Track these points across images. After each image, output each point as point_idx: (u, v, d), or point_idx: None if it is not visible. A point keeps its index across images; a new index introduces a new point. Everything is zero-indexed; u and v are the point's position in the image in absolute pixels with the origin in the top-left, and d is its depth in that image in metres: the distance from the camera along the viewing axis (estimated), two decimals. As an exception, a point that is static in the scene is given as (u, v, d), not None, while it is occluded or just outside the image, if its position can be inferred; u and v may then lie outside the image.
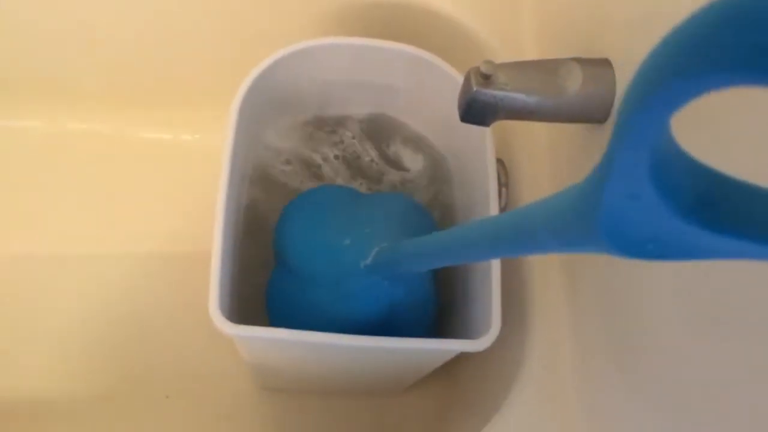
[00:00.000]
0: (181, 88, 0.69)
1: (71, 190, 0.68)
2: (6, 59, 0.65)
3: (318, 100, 0.55)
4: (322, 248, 0.45)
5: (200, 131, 0.71)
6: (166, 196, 0.68)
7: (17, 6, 0.60)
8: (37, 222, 0.66)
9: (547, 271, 0.46)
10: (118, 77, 0.68)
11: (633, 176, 0.17)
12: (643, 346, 0.36)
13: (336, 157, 0.56)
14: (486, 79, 0.37)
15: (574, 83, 0.36)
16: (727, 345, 0.29)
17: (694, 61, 0.14)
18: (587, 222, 0.20)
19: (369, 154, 0.56)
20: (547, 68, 0.37)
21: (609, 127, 0.38)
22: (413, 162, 0.57)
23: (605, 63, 0.37)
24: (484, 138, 0.47)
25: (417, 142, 0.57)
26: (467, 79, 0.37)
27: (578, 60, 0.37)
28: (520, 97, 0.37)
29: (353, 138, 0.57)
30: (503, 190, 0.51)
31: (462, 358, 0.51)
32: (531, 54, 0.53)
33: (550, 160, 0.49)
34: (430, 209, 0.55)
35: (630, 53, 0.36)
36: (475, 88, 0.37)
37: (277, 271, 0.49)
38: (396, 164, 0.56)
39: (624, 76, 0.36)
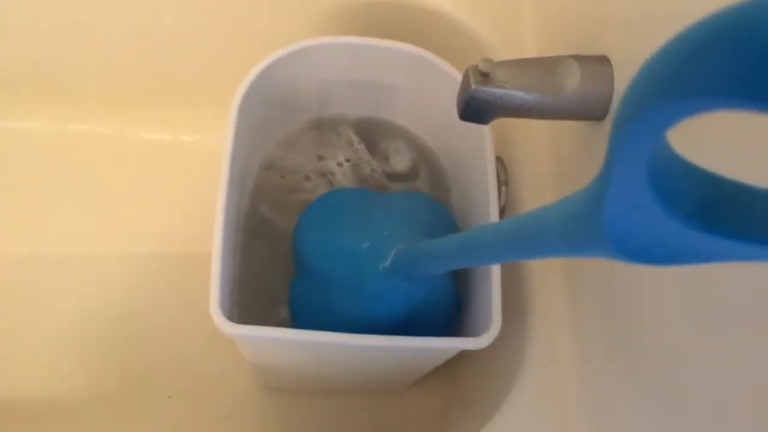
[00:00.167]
0: (180, 88, 0.69)
1: (71, 191, 0.68)
2: (6, 60, 0.65)
3: (318, 99, 0.55)
4: (342, 253, 0.45)
5: (200, 131, 0.71)
6: (166, 196, 0.68)
7: (17, 6, 0.60)
8: (37, 222, 0.66)
9: (548, 269, 0.46)
10: (118, 77, 0.68)
11: (632, 187, 0.18)
12: (644, 345, 0.36)
13: (335, 157, 0.56)
14: (484, 77, 0.37)
15: (572, 80, 0.36)
16: (728, 344, 0.29)
17: (677, 86, 0.14)
18: (593, 229, 0.20)
19: (369, 159, 0.56)
20: (545, 66, 0.37)
21: (608, 124, 0.38)
22: (411, 161, 0.57)
23: (603, 60, 0.37)
24: (483, 136, 0.47)
25: (415, 141, 0.57)
26: (466, 77, 0.37)
27: (576, 57, 0.37)
28: (518, 94, 0.37)
29: (353, 136, 0.57)
30: (503, 188, 0.51)
31: (463, 356, 0.51)
32: (530, 52, 0.53)
33: (550, 158, 0.49)
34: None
35: (628, 51, 0.36)
36: (473, 86, 0.37)
37: (298, 276, 0.49)
38: (394, 162, 0.56)
39: (622, 74, 0.36)
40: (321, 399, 0.62)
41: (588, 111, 0.37)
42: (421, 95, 0.53)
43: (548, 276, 0.46)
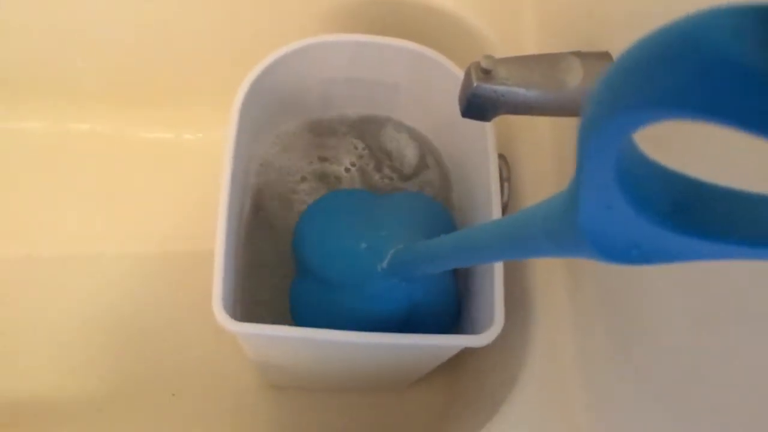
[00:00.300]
0: (182, 87, 0.69)
1: (73, 190, 0.68)
2: (7, 59, 0.65)
3: (320, 97, 0.55)
4: (341, 254, 0.45)
5: (202, 130, 0.71)
6: (168, 195, 0.68)
7: (18, 6, 0.60)
8: (38, 222, 0.66)
9: (550, 266, 0.46)
10: (119, 77, 0.68)
11: (602, 188, 0.18)
12: (646, 342, 0.36)
13: (338, 157, 0.56)
14: (486, 74, 0.36)
15: (574, 77, 0.36)
16: (732, 342, 0.29)
17: (629, 97, 0.15)
18: (573, 230, 0.21)
19: (372, 157, 0.56)
20: (547, 62, 0.37)
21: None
22: (415, 159, 0.57)
23: (606, 56, 0.37)
24: (485, 133, 0.47)
25: (418, 139, 0.57)
26: (468, 75, 0.37)
27: (578, 54, 0.37)
28: (520, 91, 0.37)
29: (354, 138, 0.57)
30: (505, 185, 0.51)
31: (465, 354, 0.51)
32: (532, 49, 0.53)
33: (552, 155, 0.49)
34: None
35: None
36: (475, 83, 0.37)
37: (298, 276, 0.50)
38: (397, 161, 0.56)
39: (625, 70, 0.36)
40: (324, 396, 0.62)
41: (590, 107, 0.37)
42: (422, 93, 0.53)
43: (550, 273, 0.46)
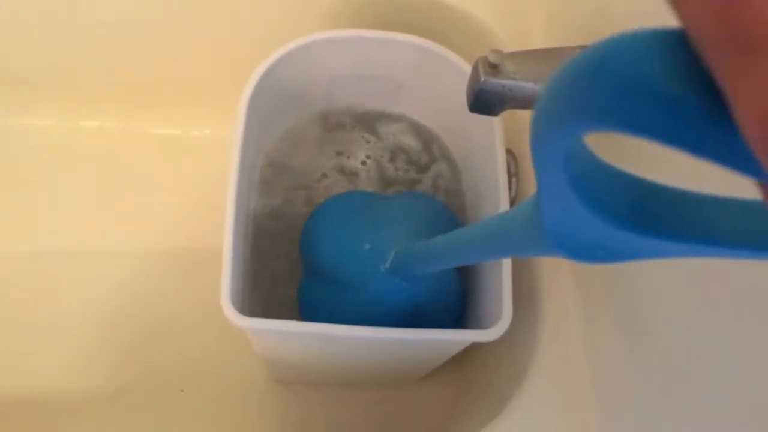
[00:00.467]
0: (190, 84, 0.69)
1: (81, 187, 0.68)
2: (17, 57, 0.66)
3: (326, 93, 0.55)
4: (346, 254, 0.46)
5: (210, 127, 0.72)
6: (177, 191, 0.68)
7: (28, 5, 0.60)
8: (47, 219, 0.67)
9: (558, 262, 0.46)
10: (126, 74, 0.68)
11: (559, 194, 0.19)
12: (655, 336, 0.36)
13: (345, 152, 0.56)
14: (494, 68, 0.36)
15: (582, 71, 0.36)
16: (746, 335, 0.29)
17: (561, 113, 0.16)
18: (543, 233, 0.22)
19: (381, 153, 0.56)
20: (554, 56, 0.37)
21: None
22: (423, 152, 0.57)
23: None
24: (493, 128, 0.47)
25: (425, 133, 0.57)
26: (475, 69, 0.37)
27: (585, 48, 0.37)
28: (528, 85, 0.37)
29: (363, 132, 0.57)
30: (513, 180, 0.51)
31: (473, 348, 0.51)
32: (539, 43, 0.53)
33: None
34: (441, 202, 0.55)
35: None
36: (483, 78, 0.37)
37: (305, 276, 0.51)
38: (409, 153, 0.56)
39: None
40: (332, 392, 0.62)
41: (598, 101, 0.37)
42: (429, 88, 0.53)
43: (558, 269, 0.46)
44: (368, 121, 0.57)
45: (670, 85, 0.13)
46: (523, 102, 0.37)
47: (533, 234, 0.23)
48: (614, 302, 0.40)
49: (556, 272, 0.46)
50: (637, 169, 0.20)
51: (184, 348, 0.63)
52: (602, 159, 0.19)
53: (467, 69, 0.47)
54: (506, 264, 0.43)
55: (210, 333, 0.62)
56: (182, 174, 0.69)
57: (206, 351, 0.62)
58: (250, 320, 0.40)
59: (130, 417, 0.60)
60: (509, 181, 0.48)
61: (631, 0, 0.38)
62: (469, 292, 0.50)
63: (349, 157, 0.56)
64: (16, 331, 0.62)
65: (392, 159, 0.56)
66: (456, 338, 0.43)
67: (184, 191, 0.68)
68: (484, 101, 0.38)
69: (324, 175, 0.55)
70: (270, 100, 0.49)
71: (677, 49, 0.13)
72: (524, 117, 0.52)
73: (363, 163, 0.56)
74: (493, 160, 0.46)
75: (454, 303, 0.49)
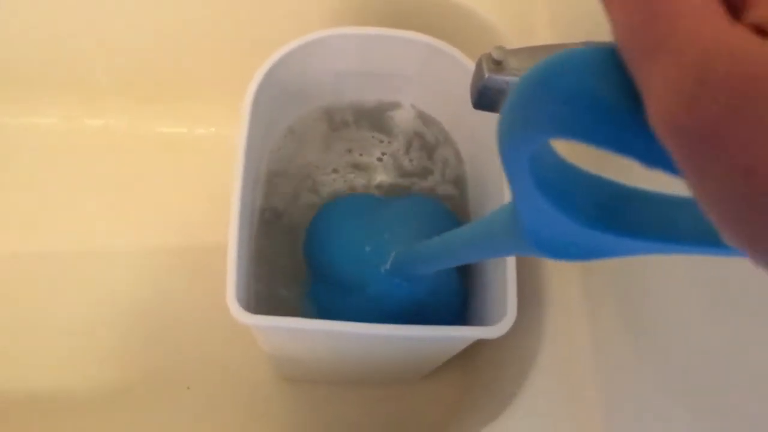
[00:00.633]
0: (194, 82, 0.69)
1: (87, 186, 0.69)
2: (21, 56, 0.66)
3: (331, 90, 0.55)
4: (347, 257, 0.47)
5: (215, 125, 0.72)
6: (182, 188, 0.69)
7: (33, 5, 0.61)
8: (54, 218, 0.67)
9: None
10: (132, 73, 0.68)
11: (529, 196, 0.20)
12: (660, 333, 0.36)
13: (352, 149, 0.56)
14: (498, 65, 0.36)
15: (586, 68, 0.36)
16: (752, 334, 0.29)
17: (519, 122, 0.17)
18: (521, 233, 0.23)
19: (394, 140, 0.56)
20: (558, 53, 0.37)
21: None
22: (426, 153, 0.57)
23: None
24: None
25: (429, 133, 0.57)
26: (479, 66, 0.37)
27: (589, 44, 0.37)
28: (532, 82, 0.36)
29: (367, 129, 0.57)
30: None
31: (478, 346, 0.51)
32: (543, 40, 0.53)
33: (564, 146, 0.48)
34: (443, 200, 0.55)
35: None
36: (486, 75, 0.36)
37: (309, 278, 0.51)
38: (417, 144, 0.56)
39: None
40: (338, 389, 0.62)
41: (602, 98, 0.37)
42: (433, 84, 0.53)
43: (563, 265, 0.46)
44: (374, 118, 0.57)
45: (604, 95, 0.14)
46: (526, 99, 0.37)
47: (514, 233, 0.24)
48: (619, 300, 0.40)
49: (562, 270, 0.46)
50: (614, 172, 0.21)
51: (190, 346, 0.63)
52: (569, 162, 0.20)
53: (471, 66, 0.47)
54: (510, 261, 0.43)
55: (216, 331, 0.62)
56: (187, 172, 0.69)
57: (213, 348, 0.63)
58: (255, 317, 0.40)
59: (136, 414, 0.61)
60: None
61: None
62: (474, 290, 0.50)
63: (361, 155, 0.56)
64: (22, 329, 0.62)
65: (407, 150, 0.56)
66: (460, 335, 0.43)
67: (189, 189, 0.69)
68: (488, 98, 0.38)
69: (335, 171, 0.55)
70: (275, 97, 0.49)
71: (610, 63, 0.15)
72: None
73: (379, 159, 0.56)
74: (497, 157, 0.46)
75: (455, 302, 0.49)
